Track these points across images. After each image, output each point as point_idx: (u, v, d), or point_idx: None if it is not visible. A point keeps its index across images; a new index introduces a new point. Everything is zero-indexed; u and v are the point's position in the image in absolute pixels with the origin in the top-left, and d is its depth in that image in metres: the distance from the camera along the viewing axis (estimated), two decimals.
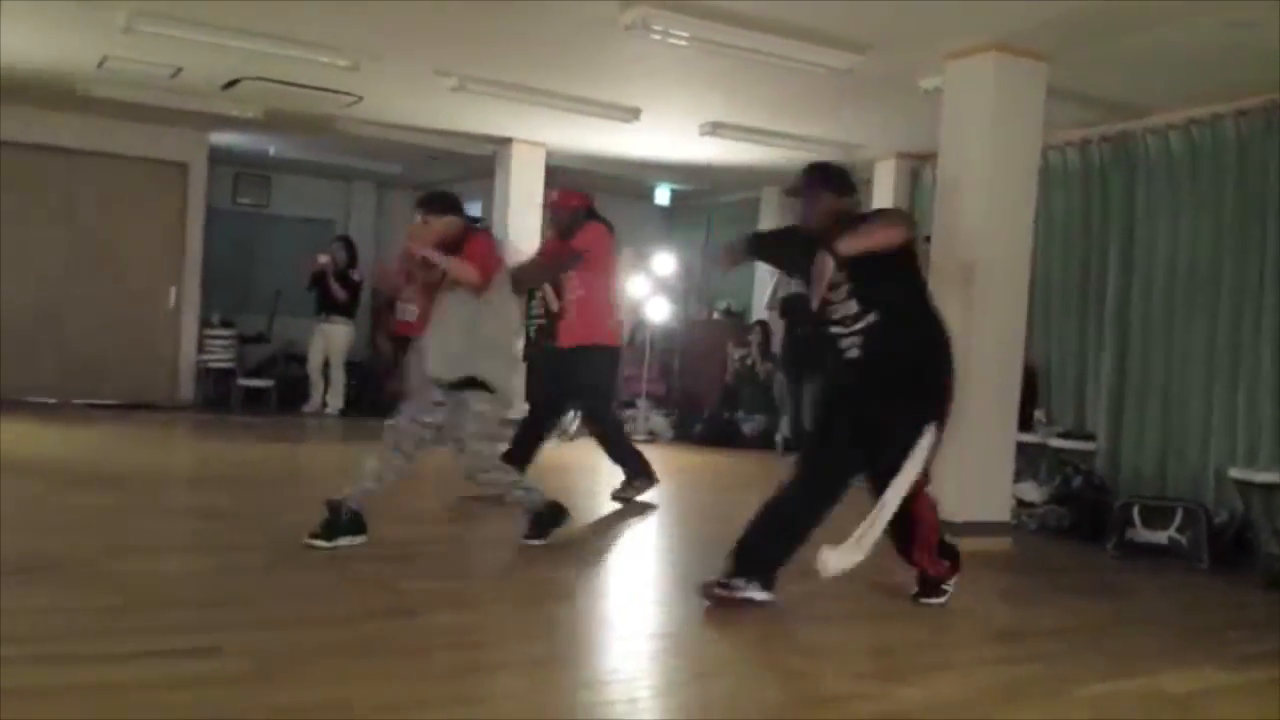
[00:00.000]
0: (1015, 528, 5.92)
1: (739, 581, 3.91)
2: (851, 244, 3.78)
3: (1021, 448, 6.11)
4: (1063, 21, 5.16)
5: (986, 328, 5.59)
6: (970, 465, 5.57)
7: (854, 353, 4.00)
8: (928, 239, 7.51)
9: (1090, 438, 6.75)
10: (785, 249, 4.60)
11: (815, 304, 3.99)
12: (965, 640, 3.92)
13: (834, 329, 4.05)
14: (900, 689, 3.27)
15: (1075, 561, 5.65)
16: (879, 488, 4.03)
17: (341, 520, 4.52)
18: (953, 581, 4.23)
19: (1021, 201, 5.73)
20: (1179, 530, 5.69)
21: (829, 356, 4.16)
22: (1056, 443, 6.80)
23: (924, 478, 4.08)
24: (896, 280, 4.00)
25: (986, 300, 5.60)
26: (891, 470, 3.96)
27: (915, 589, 4.25)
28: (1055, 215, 7.09)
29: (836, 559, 3.93)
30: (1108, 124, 6.80)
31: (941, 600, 4.21)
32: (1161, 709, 3.28)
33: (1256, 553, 5.44)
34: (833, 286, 3.91)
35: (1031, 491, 6.51)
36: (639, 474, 6.30)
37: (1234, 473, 5.79)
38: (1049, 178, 6.88)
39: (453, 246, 4.71)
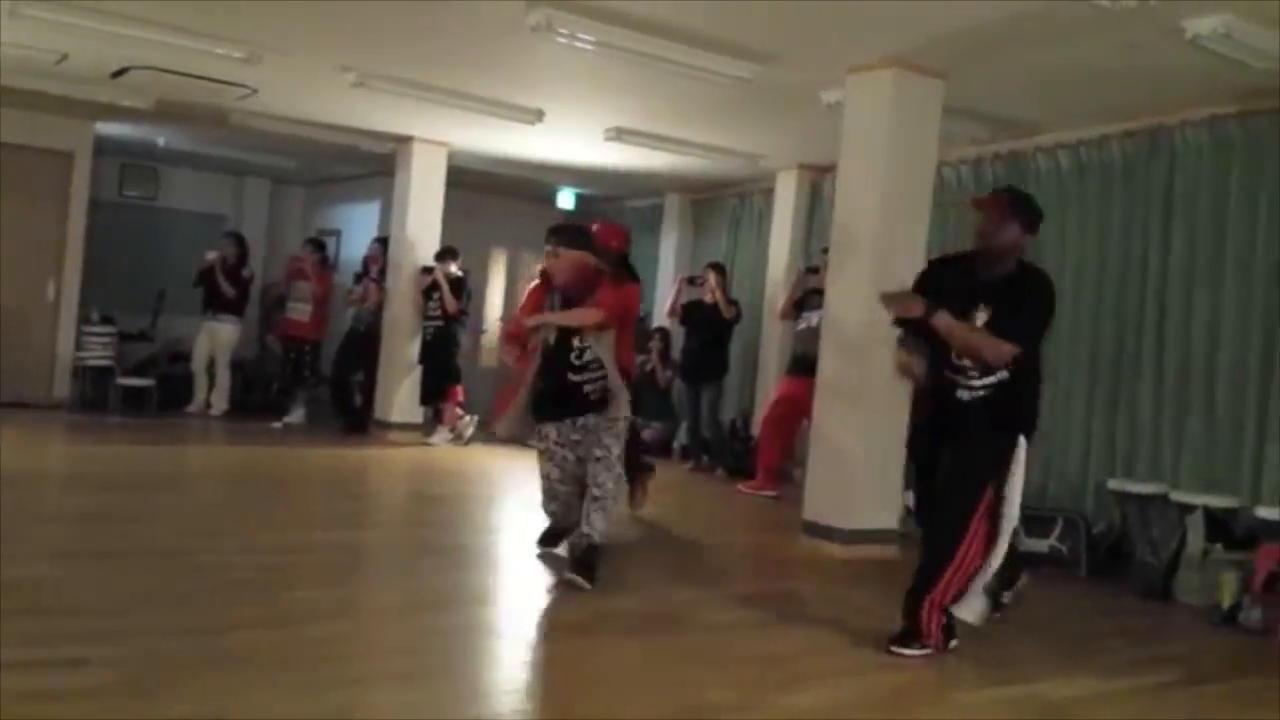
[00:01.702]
0: (903, 535, 6.01)
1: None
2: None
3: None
4: (959, 40, 5.27)
5: (880, 339, 5.65)
6: (861, 474, 5.65)
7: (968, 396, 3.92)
8: (825, 252, 7.66)
9: None
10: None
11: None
12: (850, 648, 3.94)
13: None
14: (784, 697, 3.28)
15: None
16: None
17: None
18: (926, 647, 3.84)
19: (916, 215, 5.83)
20: (1059, 539, 5.86)
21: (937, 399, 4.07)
22: None
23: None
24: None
25: (880, 311, 5.62)
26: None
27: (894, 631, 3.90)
28: (948, 230, 7.24)
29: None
30: (1000, 142, 6.98)
31: (911, 653, 3.80)
32: (1038, 715, 3.34)
33: (1132, 562, 5.61)
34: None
35: None
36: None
37: (1112, 484, 5.97)
38: (944, 193, 7.02)
39: (584, 282, 4.74)
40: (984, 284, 3.91)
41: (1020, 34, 5.10)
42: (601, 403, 4.82)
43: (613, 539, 4.98)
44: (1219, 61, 5.00)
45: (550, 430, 4.86)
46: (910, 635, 3.82)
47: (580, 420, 4.81)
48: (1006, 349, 3.75)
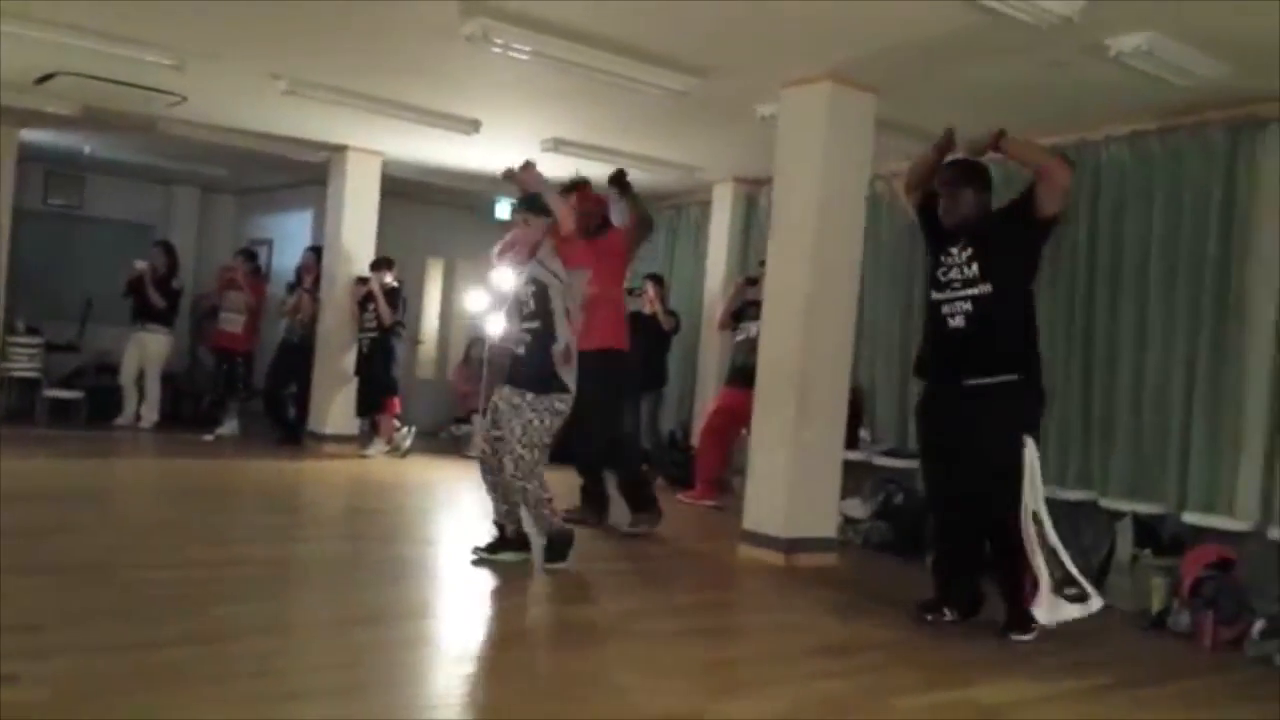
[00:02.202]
0: (842, 543, 6.08)
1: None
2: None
3: (848, 466, 6.27)
4: (891, 56, 5.35)
5: (816, 349, 5.73)
6: (800, 483, 5.69)
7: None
8: (762, 264, 7.72)
9: (912, 456, 6.98)
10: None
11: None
12: (790, 654, 3.97)
13: None
14: (725, 704, 3.29)
15: (897, 576, 5.82)
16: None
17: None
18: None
19: (851, 228, 5.90)
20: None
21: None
22: (880, 461, 7.02)
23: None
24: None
25: (816, 322, 5.74)
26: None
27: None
28: (882, 242, 7.34)
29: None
30: None
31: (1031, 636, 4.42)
32: (975, 716, 3.39)
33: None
34: None
35: (857, 508, 6.70)
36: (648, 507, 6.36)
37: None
38: (877, 206, 7.12)
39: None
40: (956, 229, 4.52)
41: (951, 51, 5.20)
42: (535, 369, 4.79)
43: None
44: (1141, 78, 5.13)
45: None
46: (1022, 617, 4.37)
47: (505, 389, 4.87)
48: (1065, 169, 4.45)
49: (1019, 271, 4.48)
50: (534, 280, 4.95)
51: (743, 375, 7.64)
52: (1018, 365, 4.40)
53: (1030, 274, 4.55)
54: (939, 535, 4.84)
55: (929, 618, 4.53)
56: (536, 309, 4.90)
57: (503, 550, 5.00)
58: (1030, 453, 4.31)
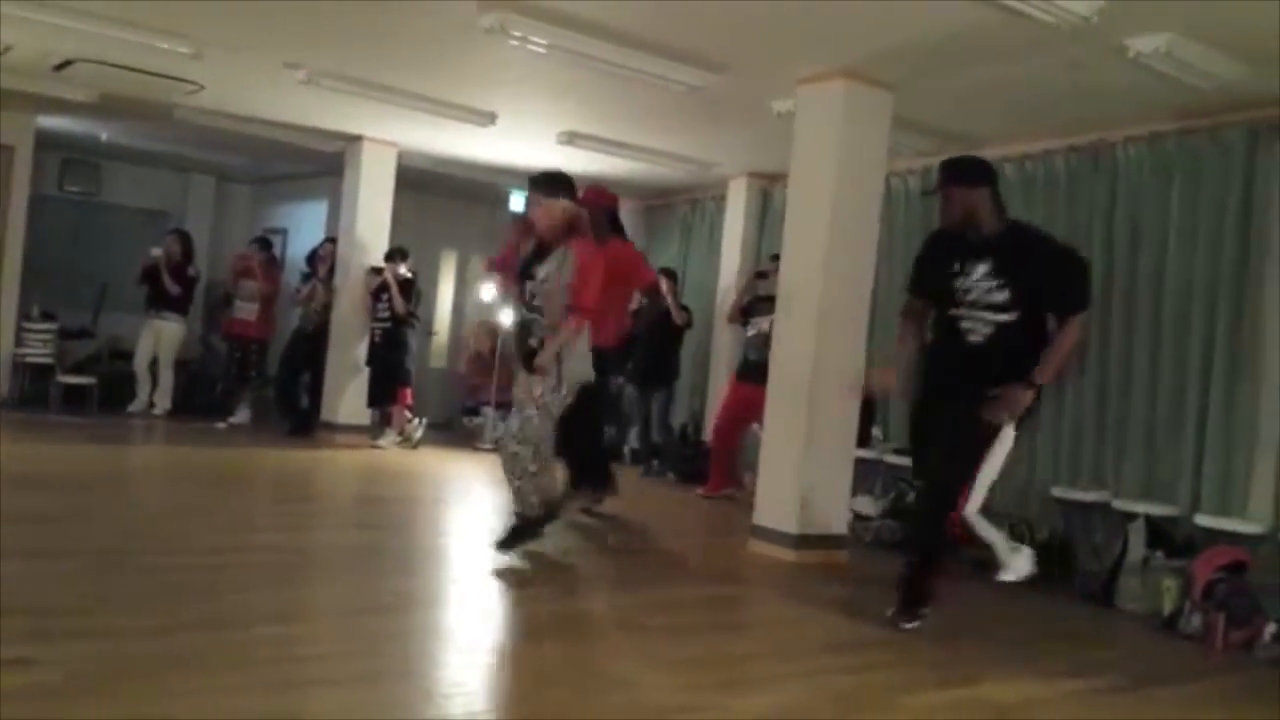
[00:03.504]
0: (852, 540, 6.08)
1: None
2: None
3: (859, 463, 6.28)
4: (907, 54, 5.34)
5: (829, 346, 5.73)
6: (811, 479, 5.70)
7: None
8: (774, 258, 7.71)
9: None
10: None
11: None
12: (800, 651, 3.98)
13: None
14: (734, 699, 3.30)
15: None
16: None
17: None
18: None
19: (865, 225, 5.90)
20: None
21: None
22: (892, 459, 7.02)
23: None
24: None
25: (830, 319, 5.74)
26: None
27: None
28: (896, 239, 7.33)
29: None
30: (947, 153, 7.04)
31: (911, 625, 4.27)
32: (985, 717, 3.39)
33: (1075, 568, 5.71)
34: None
35: (868, 505, 6.70)
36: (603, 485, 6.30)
37: (1055, 491, 6.08)
38: (892, 203, 7.11)
39: (562, 233, 4.82)
40: (976, 243, 4.25)
41: (968, 49, 5.19)
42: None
43: (568, 547, 4.96)
44: (1160, 80, 5.12)
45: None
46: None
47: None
48: (1080, 332, 4.30)
49: (1044, 303, 4.24)
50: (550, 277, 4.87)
51: (754, 370, 7.65)
52: (1028, 372, 4.23)
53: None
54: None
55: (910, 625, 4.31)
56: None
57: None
58: (1007, 435, 4.23)
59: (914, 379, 4.51)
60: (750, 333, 7.85)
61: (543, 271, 4.86)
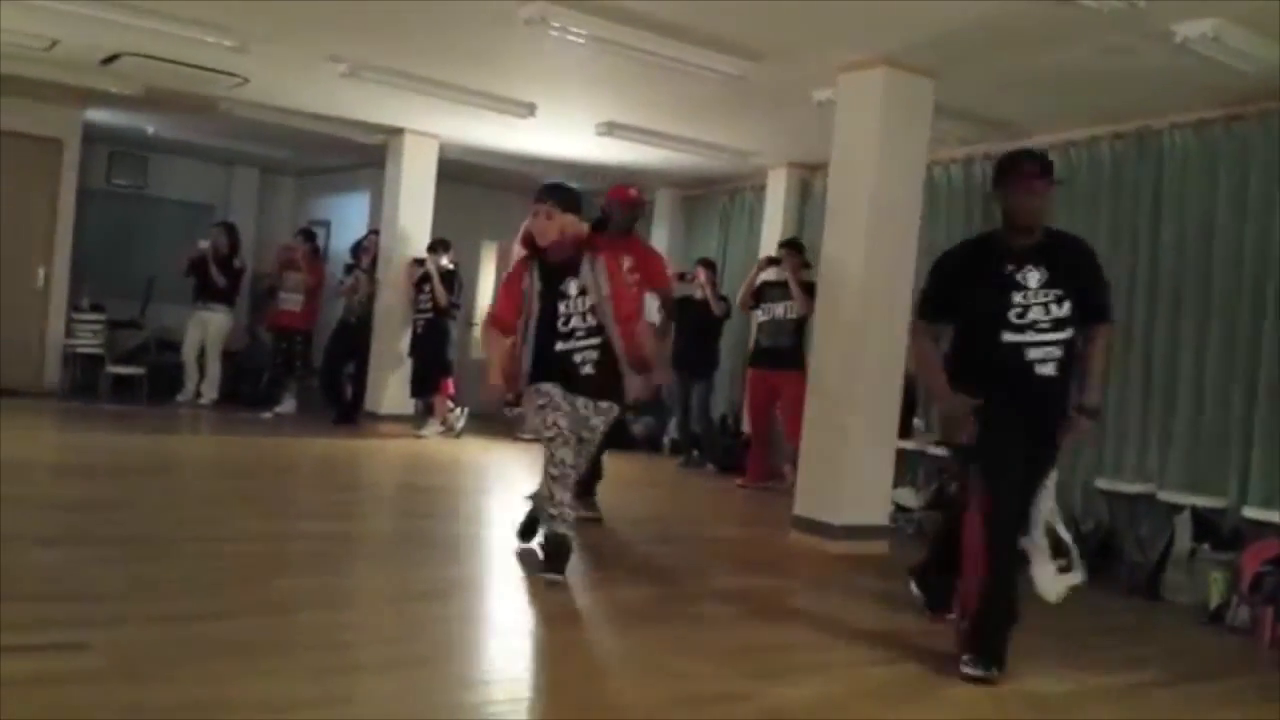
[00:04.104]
0: (893, 531, 6.06)
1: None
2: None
3: (901, 454, 6.25)
4: (949, 41, 5.30)
5: (871, 336, 5.71)
6: (852, 470, 5.69)
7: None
8: (786, 245, 7.72)
9: None
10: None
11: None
12: (841, 642, 3.98)
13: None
14: (778, 688, 3.31)
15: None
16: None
17: None
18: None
19: (907, 214, 5.87)
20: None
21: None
22: (934, 450, 6.97)
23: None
24: None
25: (871, 309, 5.72)
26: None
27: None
28: (939, 228, 7.28)
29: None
30: (990, 142, 7.00)
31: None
32: (1025, 710, 3.38)
33: (1120, 560, 5.66)
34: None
35: (909, 497, 6.68)
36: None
37: (1100, 483, 6.02)
38: (933, 193, 7.06)
39: (575, 250, 4.50)
40: (1023, 250, 3.72)
41: (1010, 36, 5.14)
42: (601, 380, 4.50)
43: (600, 534, 4.96)
44: (1207, 65, 5.04)
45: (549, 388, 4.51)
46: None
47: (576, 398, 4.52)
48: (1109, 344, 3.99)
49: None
50: (585, 290, 4.51)
51: (766, 356, 7.73)
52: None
53: None
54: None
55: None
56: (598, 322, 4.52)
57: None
58: None
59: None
60: (762, 318, 7.88)
61: (574, 287, 4.49)
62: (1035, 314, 3.66)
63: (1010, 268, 3.70)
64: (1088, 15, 4.60)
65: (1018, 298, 3.67)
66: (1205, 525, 5.36)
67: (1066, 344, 3.70)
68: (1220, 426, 5.63)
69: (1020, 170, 3.75)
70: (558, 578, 4.31)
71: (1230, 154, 5.77)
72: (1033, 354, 3.66)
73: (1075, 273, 3.76)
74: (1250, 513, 5.33)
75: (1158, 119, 6.10)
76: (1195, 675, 4.06)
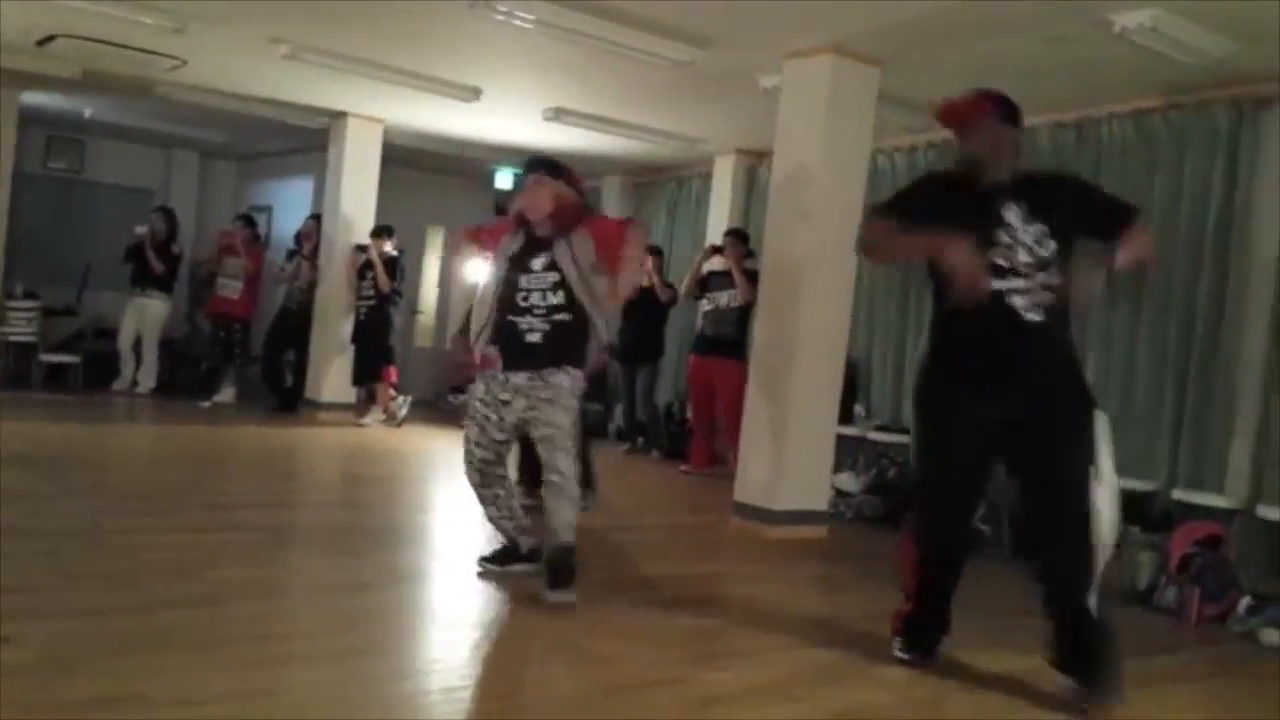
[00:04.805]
0: (832, 516, 6.10)
1: None
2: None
3: (841, 440, 6.29)
4: (894, 29, 5.32)
5: (812, 322, 5.73)
6: (792, 456, 5.71)
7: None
8: (730, 234, 7.74)
9: (906, 431, 6.97)
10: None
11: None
12: (777, 625, 3.99)
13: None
14: (710, 674, 3.32)
15: (887, 549, 5.79)
16: None
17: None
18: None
19: (851, 201, 5.88)
20: (983, 521, 5.96)
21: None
22: (874, 435, 7.04)
23: None
24: None
25: (813, 296, 5.74)
26: None
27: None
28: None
29: None
30: (934, 130, 7.03)
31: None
32: (959, 690, 3.42)
33: None
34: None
35: (849, 482, 6.73)
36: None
37: None
38: (878, 180, 7.10)
39: (567, 219, 4.16)
40: (990, 188, 3.38)
41: (954, 25, 5.18)
42: (553, 356, 4.07)
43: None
44: (1145, 55, 5.12)
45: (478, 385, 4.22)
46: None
47: (512, 378, 4.11)
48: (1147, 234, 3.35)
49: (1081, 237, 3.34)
50: (555, 265, 4.14)
51: (709, 343, 7.75)
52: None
53: None
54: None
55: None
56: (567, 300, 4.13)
57: (515, 562, 4.31)
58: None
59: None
60: (707, 307, 7.90)
61: (539, 262, 4.14)
62: (1022, 255, 3.29)
63: (982, 206, 3.36)
64: (1030, 4, 4.64)
65: (999, 235, 3.30)
66: (1136, 508, 5.44)
67: (1054, 289, 3.28)
68: (1152, 411, 5.74)
69: (966, 105, 3.51)
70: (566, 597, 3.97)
71: (1167, 144, 5.86)
72: (1019, 300, 3.29)
73: (1052, 203, 3.36)
74: (1179, 495, 5.44)
75: (1097, 109, 6.18)
76: (1126, 654, 4.10)
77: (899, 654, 3.59)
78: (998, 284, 3.26)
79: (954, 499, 3.58)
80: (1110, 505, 3.30)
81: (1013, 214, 3.32)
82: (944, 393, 3.46)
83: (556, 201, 4.20)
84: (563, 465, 4.03)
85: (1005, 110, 3.49)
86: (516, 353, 4.13)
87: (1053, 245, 3.29)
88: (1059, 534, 3.34)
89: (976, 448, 3.42)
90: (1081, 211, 3.37)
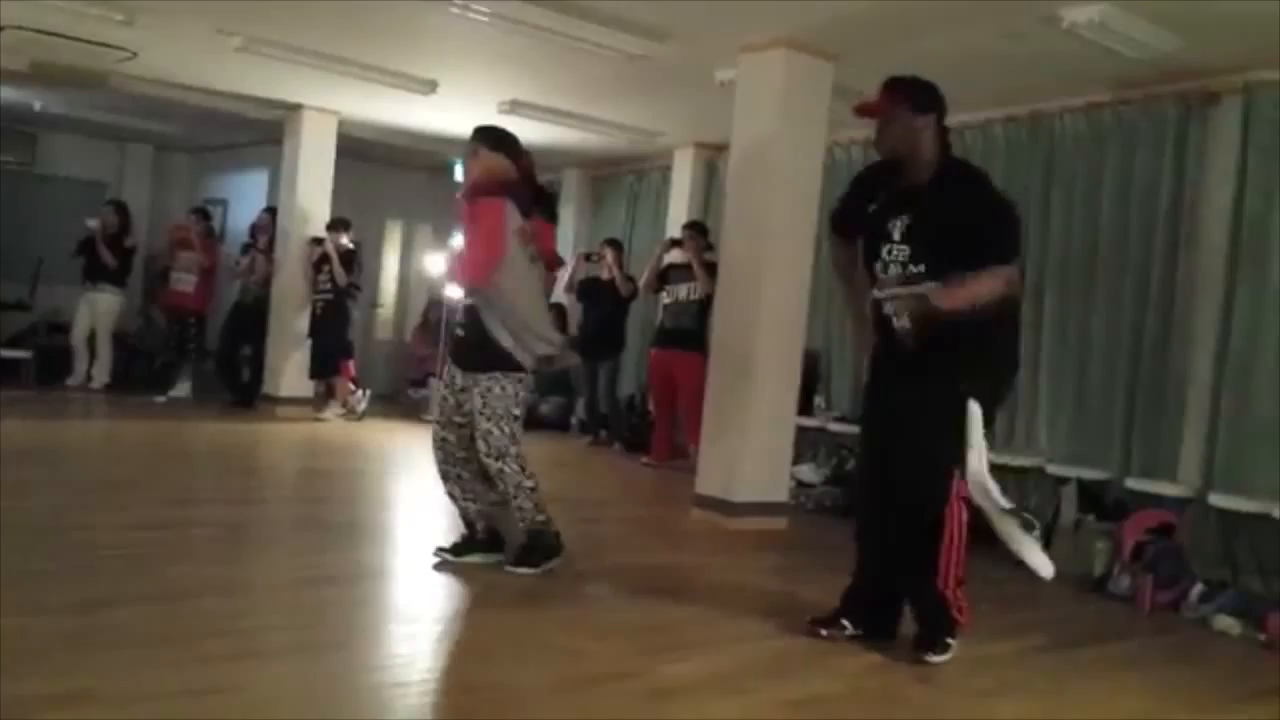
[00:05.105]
0: (793, 508, 6.15)
1: None
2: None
3: (801, 431, 6.34)
4: (847, 22, 5.36)
5: (770, 315, 5.77)
6: (752, 447, 5.75)
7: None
8: (687, 227, 7.76)
9: None
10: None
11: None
12: (734, 617, 4.02)
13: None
14: (668, 665, 3.35)
15: (846, 540, 5.87)
16: None
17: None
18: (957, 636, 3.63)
19: (806, 194, 5.93)
20: None
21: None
22: (834, 427, 7.10)
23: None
24: None
25: (771, 288, 5.77)
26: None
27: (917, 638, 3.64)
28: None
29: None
30: None
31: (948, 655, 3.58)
32: (912, 679, 3.46)
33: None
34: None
35: (809, 473, 6.79)
36: None
37: (990, 457, 6.17)
38: (833, 173, 7.15)
39: (483, 190, 4.10)
40: (904, 190, 3.54)
41: (905, 19, 5.22)
42: (475, 352, 4.12)
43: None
44: (1094, 50, 5.19)
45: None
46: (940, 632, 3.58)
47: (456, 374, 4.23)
48: (997, 280, 3.36)
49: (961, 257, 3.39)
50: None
51: (669, 336, 7.77)
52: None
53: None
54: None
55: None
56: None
57: (470, 551, 4.34)
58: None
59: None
60: (666, 300, 7.92)
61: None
62: (895, 271, 3.53)
63: (885, 218, 3.58)
64: (979, 1, 4.69)
65: (885, 250, 3.55)
66: (1090, 497, 5.54)
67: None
68: (1104, 401, 5.83)
69: (877, 100, 3.65)
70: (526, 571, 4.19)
71: (1118, 138, 5.95)
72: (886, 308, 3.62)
73: (943, 213, 3.46)
74: (1132, 484, 5.54)
75: (1049, 102, 6.26)
76: (1077, 641, 4.19)
77: (845, 627, 3.72)
78: (877, 292, 3.59)
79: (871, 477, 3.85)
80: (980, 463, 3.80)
81: (898, 229, 3.52)
82: (868, 383, 3.84)
83: (485, 174, 4.16)
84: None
85: (920, 97, 3.60)
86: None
87: (918, 269, 3.46)
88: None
89: (882, 431, 3.69)
90: (964, 235, 3.40)
